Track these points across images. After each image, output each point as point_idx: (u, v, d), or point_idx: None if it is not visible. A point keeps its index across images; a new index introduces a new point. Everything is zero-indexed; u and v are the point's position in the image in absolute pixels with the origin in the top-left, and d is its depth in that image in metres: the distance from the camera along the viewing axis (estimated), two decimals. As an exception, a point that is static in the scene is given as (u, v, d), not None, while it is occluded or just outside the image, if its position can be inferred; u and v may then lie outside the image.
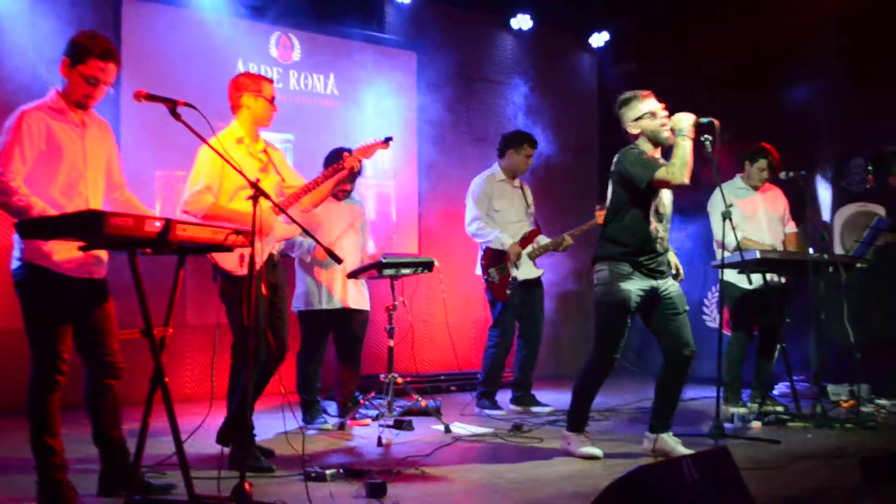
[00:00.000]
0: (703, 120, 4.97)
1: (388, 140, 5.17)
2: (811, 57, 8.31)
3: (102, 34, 3.97)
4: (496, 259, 6.80)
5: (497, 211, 6.91)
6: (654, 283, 4.99)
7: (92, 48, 3.83)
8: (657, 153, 5.01)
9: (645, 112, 4.99)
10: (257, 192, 3.72)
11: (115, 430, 4.06)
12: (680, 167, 4.76)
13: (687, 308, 5.09)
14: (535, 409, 6.81)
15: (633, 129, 5.03)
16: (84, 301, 3.93)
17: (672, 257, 5.25)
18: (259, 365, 4.73)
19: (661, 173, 4.82)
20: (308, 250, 6.13)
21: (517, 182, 7.07)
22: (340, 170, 4.94)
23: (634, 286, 4.93)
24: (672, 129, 4.90)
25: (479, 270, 6.97)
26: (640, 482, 3.03)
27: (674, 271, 5.21)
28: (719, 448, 3.63)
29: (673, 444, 5.03)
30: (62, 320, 3.83)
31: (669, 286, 5.04)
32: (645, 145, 5.01)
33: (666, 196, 5.05)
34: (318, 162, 6.34)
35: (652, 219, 4.97)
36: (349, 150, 5.24)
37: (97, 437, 4.05)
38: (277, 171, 4.84)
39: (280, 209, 4.04)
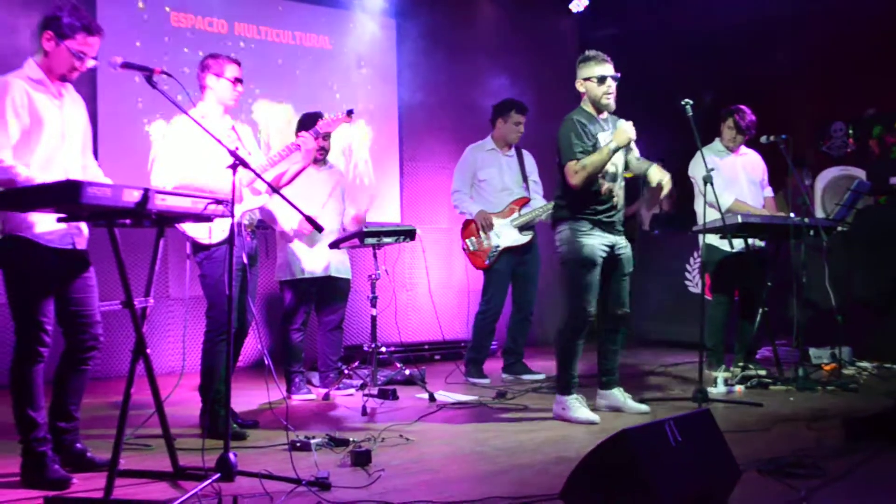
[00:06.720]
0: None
1: (349, 113, 5.16)
2: (792, 20, 8.29)
3: (81, 7, 3.92)
4: (474, 229, 6.80)
5: (482, 181, 6.86)
6: (613, 238, 5.16)
7: (79, 24, 3.80)
8: (604, 115, 5.21)
9: (595, 76, 5.14)
10: (237, 161, 3.68)
11: (74, 406, 4.00)
12: (584, 172, 4.98)
13: (631, 270, 5.28)
14: (525, 377, 6.79)
15: (579, 87, 5.24)
16: (66, 272, 3.90)
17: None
18: (240, 335, 4.80)
19: (570, 166, 5.03)
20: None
21: (511, 151, 6.98)
22: (295, 149, 4.91)
23: (597, 241, 5.09)
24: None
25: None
26: (623, 446, 3.04)
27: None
28: (702, 411, 3.64)
29: (623, 398, 5.30)
30: (44, 292, 3.79)
31: (623, 246, 5.22)
32: (587, 106, 5.21)
33: (615, 156, 5.12)
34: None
35: (601, 180, 5.10)
36: (320, 115, 5.19)
37: (57, 412, 3.96)
38: (246, 149, 4.81)
39: (260, 177, 3.99)
